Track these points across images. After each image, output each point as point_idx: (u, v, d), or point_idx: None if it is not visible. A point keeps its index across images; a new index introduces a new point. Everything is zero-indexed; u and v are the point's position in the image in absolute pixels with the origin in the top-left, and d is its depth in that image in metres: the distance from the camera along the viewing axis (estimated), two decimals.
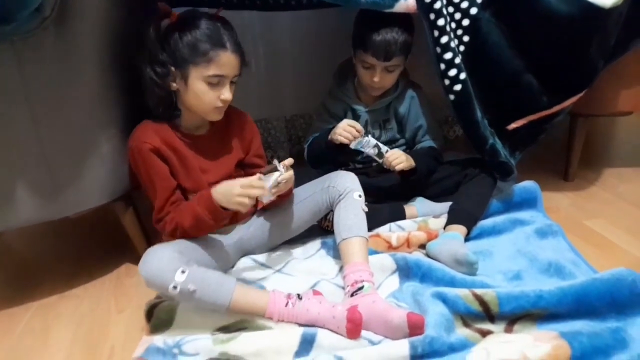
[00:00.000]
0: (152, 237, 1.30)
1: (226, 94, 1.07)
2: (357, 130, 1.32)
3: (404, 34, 1.30)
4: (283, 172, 1.06)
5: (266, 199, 1.07)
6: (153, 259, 0.99)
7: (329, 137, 1.36)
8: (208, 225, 1.07)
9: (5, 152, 1.04)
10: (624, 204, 1.51)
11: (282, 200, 1.21)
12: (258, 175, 1.04)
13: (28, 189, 1.07)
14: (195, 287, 0.96)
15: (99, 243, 1.50)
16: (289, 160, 1.08)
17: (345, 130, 1.32)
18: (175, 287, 0.95)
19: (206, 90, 1.06)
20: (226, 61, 1.05)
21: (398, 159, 1.33)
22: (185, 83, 1.07)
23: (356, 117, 1.46)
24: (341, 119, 1.40)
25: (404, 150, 1.42)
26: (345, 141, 1.32)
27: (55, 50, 1.02)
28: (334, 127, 1.36)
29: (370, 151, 1.34)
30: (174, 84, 1.08)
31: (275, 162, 1.07)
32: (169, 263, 0.97)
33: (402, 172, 1.36)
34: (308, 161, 1.46)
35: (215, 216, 1.06)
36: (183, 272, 0.96)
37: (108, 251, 1.41)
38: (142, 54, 1.08)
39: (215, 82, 1.06)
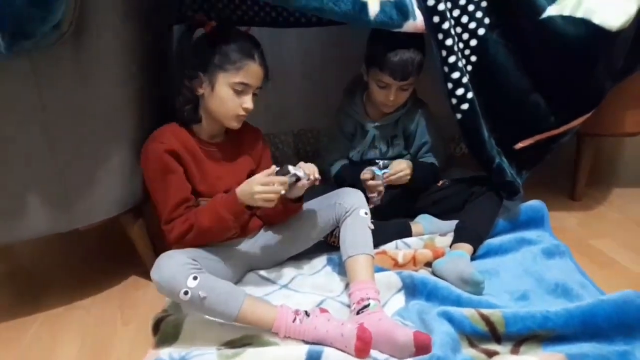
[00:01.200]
0: (160, 250, 1.30)
1: (248, 102, 1.13)
2: (377, 187, 1.36)
3: (419, 53, 1.33)
4: (304, 178, 1.10)
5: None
6: (166, 263, 1.00)
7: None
8: (228, 225, 1.10)
9: (19, 164, 1.06)
10: (631, 224, 1.50)
11: (291, 216, 1.22)
12: (273, 167, 1.07)
13: (40, 200, 1.09)
14: (206, 295, 0.96)
15: (106, 255, 1.51)
16: (312, 169, 1.11)
17: (370, 185, 1.36)
18: (186, 293, 0.96)
19: (231, 96, 1.11)
20: (253, 71, 1.11)
21: (398, 174, 1.36)
22: (212, 89, 1.12)
23: (364, 133, 1.48)
24: (352, 136, 1.43)
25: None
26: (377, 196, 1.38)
27: (72, 65, 1.04)
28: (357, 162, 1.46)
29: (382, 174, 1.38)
30: (200, 89, 1.13)
31: (291, 168, 1.10)
32: (182, 268, 0.98)
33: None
34: (338, 184, 1.46)
35: (237, 216, 1.10)
36: (195, 278, 0.97)
37: (115, 263, 1.42)
38: (176, 60, 1.16)
39: (240, 90, 1.11)
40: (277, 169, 1.09)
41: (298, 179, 1.10)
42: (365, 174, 1.37)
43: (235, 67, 1.09)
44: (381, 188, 1.37)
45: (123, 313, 1.20)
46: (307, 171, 1.11)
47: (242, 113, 1.13)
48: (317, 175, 1.12)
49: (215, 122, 1.17)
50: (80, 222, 1.16)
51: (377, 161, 1.40)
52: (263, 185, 1.04)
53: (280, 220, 1.25)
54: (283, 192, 1.06)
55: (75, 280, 1.36)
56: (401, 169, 1.37)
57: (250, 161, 1.25)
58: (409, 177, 1.38)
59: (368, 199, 1.27)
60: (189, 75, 1.13)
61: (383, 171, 1.36)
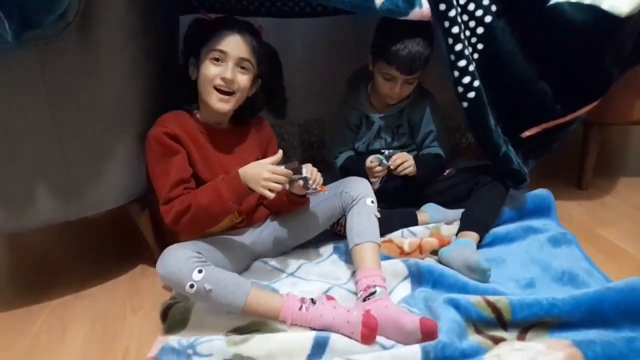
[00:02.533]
0: (167, 239, 1.32)
1: (227, 72, 1.10)
2: (378, 168, 1.37)
3: (427, 46, 1.31)
4: (310, 187, 1.11)
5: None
6: (171, 257, 1.00)
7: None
8: (227, 206, 1.06)
9: (26, 153, 1.07)
10: (637, 212, 1.50)
11: (299, 208, 1.22)
12: (280, 152, 1.09)
13: (48, 190, 1.10)
14: (212, 287, 0.97)
15: (114, 244, 1.53)
16: (319, 180, 1.13)
17: (375, 171, 1.37)
18: (192, 286, 0.96)
19: (210, 67, 1.11)
20: (229, 39, 1.10)
21: (404, 164, 1.36)
22: (198, 69, 1.13)
23: (370, 124, 1.47)
24: (357, 127, 1.44)
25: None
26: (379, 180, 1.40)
27: (78, 54, 1.05)
28: (363, 153, 1.47)
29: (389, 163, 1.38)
30: (193, 75, 1.15)
31: (303, 170, 1.10)
32: (187, 262, 0.98)
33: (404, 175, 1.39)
34: (344, 176, 1.47)
35: (238, 197, 1.07)
36: (200, 271, 0.97)
37: (123, 252, 1.43)
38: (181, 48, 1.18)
39: (217, 58, 1.10)
40: (285, 158, 1.08)
41: (305, 182, 1.10)
42: (373, 162, 1.37)
43: (214, 40, 1.10)
44: (382, 173, 1.37)
45: (132, 301, 1.21)
46: (311, 180, 1.10)
47: (219, 82, 1.10)
48: (319, 188, 1.11)
49: (210, 109, 1.15)
50: (88, 211, 1.17)
51: (382, 151, 1.41)
52: (272, 173, 1.03)
53: (287, 211, 1.25)
54: (283, 186, 1.06)
55: (84, 268, 1.38)
56: (407, 158, 1.37)
57: (256, 150, 1.25)
58: (412, 168, 1.37)
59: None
60: (184, 61, 1.15)
61: (389, 163, 1.37)
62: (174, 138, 1.11)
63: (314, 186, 1.11)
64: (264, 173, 1.03)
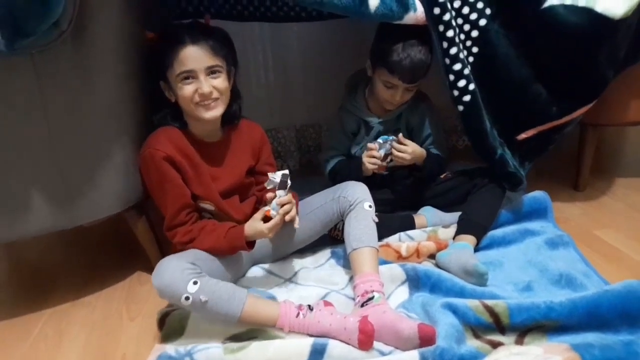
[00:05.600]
0: (164, 246, 1.31)
1: (203, 87, 1.07)
2: (377, 157, 1.36)
3: (428, 54, 1.30)
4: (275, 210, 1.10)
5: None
6: (165, 270, 1.00)
7: (363, 170, 1.39)
8: (223, 253, 1.13)
9: (20, 161, 1.06)
10: (635, 214, 1.50)
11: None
12: (267, 210, 1.09)
13: (42, 197, 1.09)
14: (207, 298, 0.97)
15: (111, 251, 1.52)
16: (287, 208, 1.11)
17: (371, 163, 1.36)
18: (187, 298, 0.96)
19: (184, 89, 1.08)
20: (187, 55, 1.06)
21: (405, 149, 1.36)
22: (173, 92, 1.11)
23: (369, 129, 1.47)
24: (355, 135, 1.42)
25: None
26: (376, 168, 1.37)
27: (72, 62, 1.04)
28: (356, 156, 1.45)
29: (387, 146, 1.37)
30: (171, 97, 1.12)
31: (271, 180, 1.10)
32: (182, 274, 0.98)
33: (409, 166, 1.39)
34: (331, 180, 1.46)
35: (235, 249, 1.13)
36: (195, 283, 0.97)
37: (120, 259, 1.43)
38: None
39: (188, 79, 1.08)
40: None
41: (281, 183, 1.10)
42: (372, 144, 1.37)
43: (170, 61, 1.06)
44: (378, 154, 1.35)
45: (128, 308, 1.21)
46: (281, 207, 1.09)
47: (199, 99, 1.08)
48: (287, 217, 1.10)
49: (199, 122, 1.14)
50: (84, 219, 1.16)
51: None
52: (272, 230, 1.08)
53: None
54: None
55: (81, 276, 1.37)
56: (408, 142, 1.36)
57: (249, 158, 1.24)
58: (408, 156, 1.36)
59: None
60: (155, 87, 1.12)
61: (390, 138, 1.36)
62: (170, 161, 1.10)
63: (279, 211, 1.09)
64: (267, 235, 1.08)
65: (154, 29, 1.17)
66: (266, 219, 1.09)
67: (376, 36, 1.37)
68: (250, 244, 1.12)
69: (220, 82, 1.11)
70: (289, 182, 1.09)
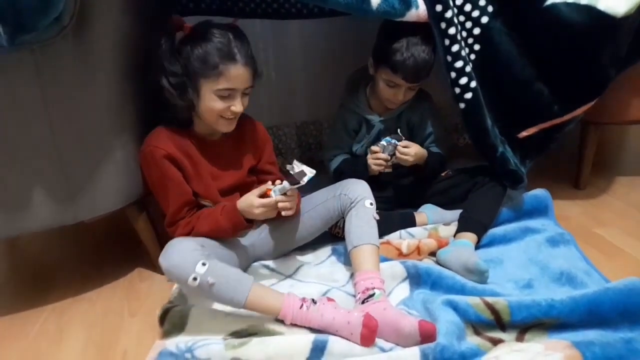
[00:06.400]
0: (165, 242, 1.31)
1: (237, 106, 1.09)
2: (383, 159, 1.36)
3: (431, 52, 1.30)
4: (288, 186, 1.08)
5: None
6: (175, 250, 1.00)
7: (369, 171, 1.40)
8: (226, 233, 1.13)
9: (22, 157, 1.06)
10: (635, 212, 1.50)
11: (289, 219, 1.21)
12: (269, 184, 1.08)
13: (44, 194, 1.09)
14: (214, 281, 0.97)
15: (112, 247, 1.52)
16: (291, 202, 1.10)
17: (377, 165, 1.37)
18: (195, 279, 0.96)
19: (217, 102, 1.08)
20: (236, 74, 1.06)
21: (409, 151, 1.36)
22: (198, 95, 1.09)
23: (370, 127, 1.47)
24: (356, 132, 1.43)
25: None
26: (382, 169, 1.38)
27: (73, 58, 1.04)
28: (361, 156, 1.45)
29: (391, 148, 1.37)
30: (188, 96, 1.10)
31: (292, 166, 1.09)
32: (191, 254, 0.98)
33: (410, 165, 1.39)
34: (335, 179, 1.46)
35: (235, 227, 1.11)
36: (204, 264, 0.97)
37: (121, 255, 1.43)
38: (158, 66, 1.09)
39: (225, 95, 1.08)
40: (281, 159, 1.09)
41: (293, 178, 1.08)
42: (376, 147, 1.38)
43: (216, 72, 1.04)
44: (384, 156, 1.36)
45: (129, 305, 1.21)
46: (287, 193, 1.08)
47: (231, 116, 1.10)
48: (281, 207, 1.09)
49: (208, 124, 1.15)
50: (85, 215, 1.16)
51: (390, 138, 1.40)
52: (262, 207, 1.07)
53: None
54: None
55: (82, 272, 1.37)
56: (411, 144, 1.37)
57: (250, 157, 1.24)
58: (411, 159, 1.36)
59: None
60: (175, 84, 1.07)
61: (394, 141, 1.37)
62: (171, 159, 1.10)
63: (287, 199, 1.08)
64: (255, 210, 1.06)
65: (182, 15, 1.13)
66: (264, 196, 1.08)
67: (379, 34, 1.37)
68: (250, 220, 1.11)
69: (247, 100, 1.12)
70: (305, 180, 1.07)
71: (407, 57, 1.27)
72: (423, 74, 1.31)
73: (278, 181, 1.11)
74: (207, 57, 1.05)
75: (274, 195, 1.08)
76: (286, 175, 1.09)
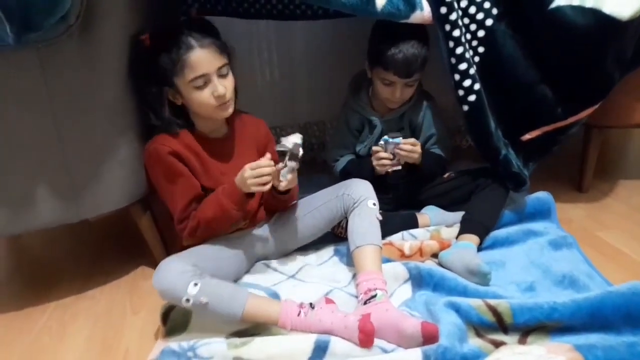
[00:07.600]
0: (168, 241, 1.32)
1: (219, 88, 1.07)
2: (386, 158, 1.36)
3: (423, 48, 1.31)
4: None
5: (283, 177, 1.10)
6: (166, 272, 1.00)
7: (376, 172, 1.39)
8: (231, 214, 1.10)
9: (27, 155, 1.07)
10: (638, 215, 1.49)
11: (288, 205, 1.22)
12: (267, 155, 1.07)
13: (48, 191, 1.10)
14: (208, 300, 0.97)
15: (115, 245, 1.53)
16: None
17: (381, 165, 1.37)
18: (188, 300, 0.97)
19: (198, 93, 1.08)
20: (197, 60, 1.05)
21: (413, 149, 1.35)
22: (181, 95, 1.10)
23: (372, 128, 1.47)
24: (359, 132, 1.43)
25: None
26: (388, 168, 1.37)
27: (78, 56, 1.05)
28: (366, 156, 1.44)
29: (391, 147, 1.37)
30: (177, 101, 1.11)
31: (282, 144, 1.09)
32: (182, 276, 0.98)
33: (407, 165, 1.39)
34: (342, 179, 1.46)
35: (239, 205, 1.09)
36: (195, 284, 0.97)
37: (124, 253, 1.43)
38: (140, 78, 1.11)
39: (202, 84, 1.07)
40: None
41: (292, 153, 1.08)
42: (377, 146, 1.38)
43: (180, 66, 1.04)
44: (386, 155, 1.36)
45: (132, 303, 1.21)
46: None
47: (217, 102, 1.08)
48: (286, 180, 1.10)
49: (208, 120, 1.15)
50: (89, 213, 1.17)
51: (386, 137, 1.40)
52: (252, 169, 1.05)
53: (282, 206, 1.25)
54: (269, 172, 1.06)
55: (85, 270, 1.38)
56: (414, 142, 1.36)
57: (254, 154, 1.24)
58: (417, 155, 1.36)
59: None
60: (157, 93, 1.09)
61: (394, 140, 1.36)
62: (176, 155, 1.11)
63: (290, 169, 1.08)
64: (245, 173, 1.05)
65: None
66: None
67: (370, 38, 1.38)
68: (250, 195, 1.10)
69: (230, 80, 1.11)
70: (301, 150, 1.07)
71: (396, 52, 1.29)
72: (414, 67, 1.32)
73: (279, 166, 1.10)
74: (169, 57, 1.05)
75: (284, 180, 1.09)
76: (283, 155, 1.09)
